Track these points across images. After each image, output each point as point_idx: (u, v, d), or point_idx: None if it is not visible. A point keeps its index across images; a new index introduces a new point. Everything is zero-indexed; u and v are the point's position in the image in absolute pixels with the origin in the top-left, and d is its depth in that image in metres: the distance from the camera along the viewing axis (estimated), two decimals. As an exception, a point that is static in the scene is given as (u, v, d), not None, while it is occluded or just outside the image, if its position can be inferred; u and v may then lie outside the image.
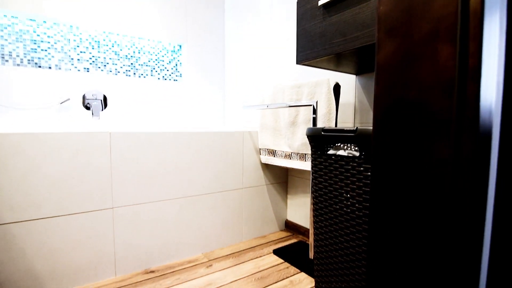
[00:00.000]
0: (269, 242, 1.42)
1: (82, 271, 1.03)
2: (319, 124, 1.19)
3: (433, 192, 0.38)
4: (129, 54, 1.86)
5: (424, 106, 0.39)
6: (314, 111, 1.13)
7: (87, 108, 1.64)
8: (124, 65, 1.84)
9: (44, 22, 1.59)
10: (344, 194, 0.78)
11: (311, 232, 1.17)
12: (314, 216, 0.88)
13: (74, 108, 1.61)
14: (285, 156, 1.37)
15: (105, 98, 1.71)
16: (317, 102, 1.13)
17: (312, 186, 0.89)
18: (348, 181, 0.77)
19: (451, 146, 0.35)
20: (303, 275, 1.11)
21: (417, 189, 0.40)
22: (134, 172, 1.11)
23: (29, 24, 1.56)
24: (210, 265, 1.18)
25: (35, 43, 1.58)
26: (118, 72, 1.82)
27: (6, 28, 1.51)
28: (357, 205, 0.74)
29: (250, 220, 1.45)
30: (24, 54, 1.55)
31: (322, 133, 0.82)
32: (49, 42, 1.61)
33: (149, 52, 1.94)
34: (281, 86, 1.35)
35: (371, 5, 0.75)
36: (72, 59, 1.68)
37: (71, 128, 1.11)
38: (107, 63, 1.79)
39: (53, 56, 1.62)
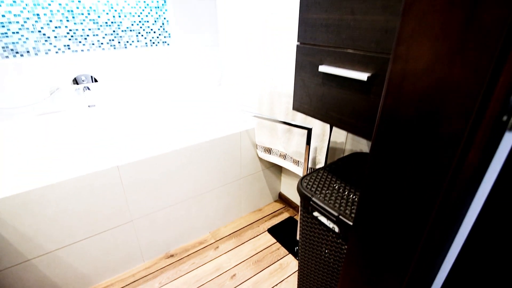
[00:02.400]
0: (265, 216, 1.70)
1: (119, 264, 1.32)
2: (313, 143, 1.25)
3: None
4: (109, 20, 1.65)
5: None
6: (309, 138, 1.17)
7: (88, 89, 1.60)
8: (106, 34, 1.67)
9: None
10: (325, 250, 0.96)
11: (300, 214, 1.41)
12: (299, 260, 1.09)
13: (66, 96, 1.58)
14: (280, 155, 1.47)
15: (94, 79, 1.64)
16: (311, 129, 1.16)
17: (299, 231, 1.06)
18: (328, 244, 0.93)
19: None
20: (290, 257, 1.42)
21: None
22: (145, 189, 1.25)
23: (-14, 3, 1.35)
24: (217, 247, 1.48)
25: (3, 26, 1.40)
26: (101, 44, 1.67)
27: (-37, 12, 1.32)
28: (333, 263, 0.94)
29: (248, 199, 1.69)
30: (-4, 40, 1.40)
31: (311, 202, 0.92)
32: (17, 22, 1.43)
33: (130, 13, 1.71)
34: (278, 93, 1.31)
35: (370, 98, 0.72)
36: (48, 37, 1.52)
37: (82, 166, 1.18)
38: (87, 36, 1.62)
39: (27, 38, 1.47)
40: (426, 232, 0.40)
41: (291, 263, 1.39)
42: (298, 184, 0.99)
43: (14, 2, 1.39)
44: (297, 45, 0.88)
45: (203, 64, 1.98)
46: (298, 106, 0.96)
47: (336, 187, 0.97)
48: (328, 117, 0.86)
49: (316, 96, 0.88)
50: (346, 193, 0.94)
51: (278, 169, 1.74)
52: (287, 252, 1.45)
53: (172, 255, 1.44)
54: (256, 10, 1.52)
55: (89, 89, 1.62)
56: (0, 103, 1.43)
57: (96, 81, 1.64)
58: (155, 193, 1.29)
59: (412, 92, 0.35)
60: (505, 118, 0.27)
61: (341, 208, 0.87)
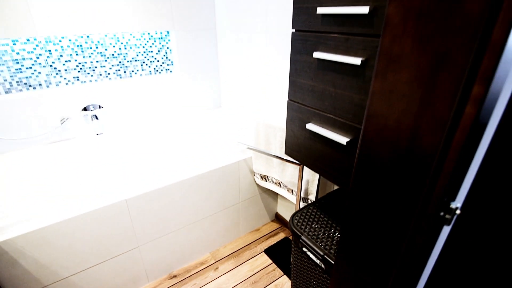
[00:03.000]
0: (262, 237, 1.80)
1: (126, 285, 1.43)
2: (305, 176, 1.35)
3: None
4: (115, 52, 1.76)
5: None
6: (301, 172, 1.28)
7: (96, 118, 1.70)
8: (113, 65, 1.78)
9: (19, 39, 1.48)
10: (313, 281, 1.06)
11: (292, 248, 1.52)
12: (292, 286, 1.19)
13: (75, 125, 1.69)
14: (276, 182, 1.57)
15: (100, 110, 1.75)
16: (303, 166, 1.26)
17: (291, 260, 1.17)
18: (315, 276, 1.04)
19: None
20: (285, 278, 1.53)
21: None
22: (150, 217, 1.35)
23: (4, 44, 1.45)
24: (217, 268, 1.59)
25: (17, 63, 1.51)
26: (108, 74, 1.78)
27: (-18, 53, 1.43)
28: None
29: (246, 220, 1.79)
30: (11, 76, 1.51)
31: (300, 240, 1.03)
32: (31, 59, 1.54)
33: (135, 45, 1.81)
34: (273, 128, 1.41)
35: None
36: (59, 71, 1.62)
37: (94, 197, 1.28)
38: (95, 67, 1.73)
39: (39, 73, 1.58)
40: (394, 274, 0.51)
41: (286, 284, 1.50)
42: (290, 220, 1.10)
43: (28, 40, 1.50)
44: (288, 101, 0.98)
45: (204, 89, 2.08)
46: (290, 152, 1.06)
47: (324, 224, 1.07)
48: (315, 166, 0.96)
49: (304, 147, 0.98)
50: (332, 231, 1.04)
51: (275, 192, 1.85)
52: (282, 273, 1.56)
53: (175, 276, 1.55)
54: (253, 52, 1.63)
55: (97, 117, 1.73)
56: (15, 134, 1.53)
57: (102, 108, 1.75)
58: (159, 221, 1.40)
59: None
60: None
61: (327, 246, 0.97)
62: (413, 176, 0.44)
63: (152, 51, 1.88)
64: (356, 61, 0.68)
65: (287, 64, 1.42)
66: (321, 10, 0.73)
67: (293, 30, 0.87)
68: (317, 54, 0.79)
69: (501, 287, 0.51)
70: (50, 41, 1.55)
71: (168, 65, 1.97)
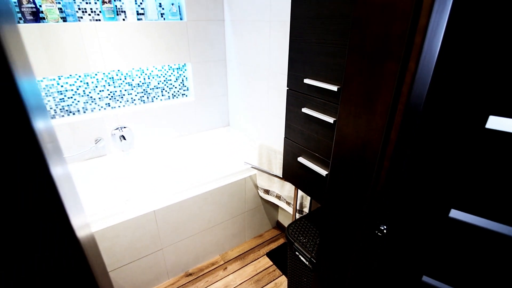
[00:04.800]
0: (265, 242, 2.08)
1: (151, 281, 1.72)
2: (300, 191, 1.62)
3: None
4: (140, 82, 2.06)
5: None
6: (296, 189, 1.55)
7: (124, 138, 2.00)
8: (138, 92, 2.08)
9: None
10: (303, 278, 1.33)
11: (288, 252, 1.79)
12: (288, 283, 1.46)
13: (107, 144, 1.99)
14: (276, 196, 1.85)
15: (127, 129, 2.04)
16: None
17: (288, 262, 1.44)
18: (305, 275, 1.31)
19: None
20: (283, 278, 1.80)
21: None
22: (173, 225, 1.64)
23: (52, 79, 1.76)
24: (225, 268, 1.87)
25: (61, 94, 1.82)
26: (134, 100, 2.08)
27: (35, 87, 1.73)
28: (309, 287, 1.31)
29: (251, 227, 2.07)
30: (56, 105, 1.82)
31: (293, 246, 1.30)
32: (72, 90, 1.84)
33: (157, 75, 2.11)
34: (274, 151, 1.69)
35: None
36: (94, 99, 1.93)
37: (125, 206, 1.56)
38: (123, 95, 2.03)
39: (78, 101, 1.88)
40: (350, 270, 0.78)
41: (284, 283, 1.77)
42: (286, 230, 1.37)
43: (70, 75, 1.81)
44: (284, 138, 1.26)
45: (215, 111, 2.37)
46: (286, 176, 1.34)
47: (313, 233, 1.34)
48: (304, 188, 1.24)
49: (297, 174, 1.26)
50: (319, 239, 1.31)
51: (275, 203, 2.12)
52: (281, 273, 1.83)
53: (190, 274, 1.83)
54: (257, 83, 1.91)
55: (124, 138, 2.03)
56: (59, 153, 1.84)
57: (128, 129, 2.05)
58: (179, 227, 1.68)
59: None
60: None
61: (313, 251, 1.25)
62: (361, 183, 0.72)
63: (171, 80, 2.18)
64: (331, 120, 0.96)
65: (284, 99, 1.70)
66: (306, 80, 1.01)
67: (287, 88, 1.15)
68: (304, 110, 1.06)
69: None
70: (88, 75, 1.86)
71: (184, 90, 2.27)
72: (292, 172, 1.29)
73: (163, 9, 1.96)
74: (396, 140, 0.59)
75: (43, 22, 1.59)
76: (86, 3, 1.72)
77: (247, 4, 1.81)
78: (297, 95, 1.11)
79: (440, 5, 0.47)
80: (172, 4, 1.93)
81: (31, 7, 1.52)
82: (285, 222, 2.14)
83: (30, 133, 0.30)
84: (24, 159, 0.31)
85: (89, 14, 1.75)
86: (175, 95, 2.24)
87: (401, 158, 0.60)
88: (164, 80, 2.16)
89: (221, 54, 2.22)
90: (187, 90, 2.28)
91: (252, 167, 1.73)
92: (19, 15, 1.52)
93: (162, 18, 1.97)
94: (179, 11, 1.98)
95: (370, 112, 0.61)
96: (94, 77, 1.88)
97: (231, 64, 2.20)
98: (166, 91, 2.19)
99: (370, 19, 0.57)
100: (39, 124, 0.33)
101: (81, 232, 0.47)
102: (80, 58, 1.71)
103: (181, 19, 2.01)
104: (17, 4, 1.50)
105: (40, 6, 1.57)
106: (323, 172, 1.07)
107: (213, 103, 2.34)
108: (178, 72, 2.19)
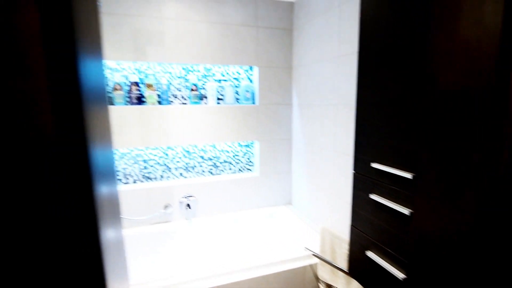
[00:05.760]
0: None
1: None
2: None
3: None
4: (212, 156, 2.23)
5: None
6: (364, 291, 1.29)
7: (189, 206, 2.09)
8: (208, 165, 2.23)
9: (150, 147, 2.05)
10: None
11: None
12: None
13: (173, 211, 2.09)
14: (340, 294, 1.57)
15: (193, 198, 2.14)
16: (367, 284, 1.29)
17: None
18: None
19: None
20: None
21: None
22: None
23: (141, 149, 2.04)
24: None
25: (145, 162, 2.07)
26: (203, 171, 2.22)
27: (126, 155, 2.02)
28: None
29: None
30: (140, 171, 2.06)
31: None
32: (154, 159, 2.08)
33: (227, 151, 2.27)
34: (339, 239, 1.52)
35: None
36: (170, 168, 2.13)
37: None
38: (195, 166, 2.20)
39: (157, 169, 2.10)
40: None
41: None
42: None
43: (154, 148, 2.08)
44: (350, 226, 1.12)
45: (278, 187, 2.35)
46: (353, 273, 1.15)
47: None
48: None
49: (365, 272, 1.06)
50: None
51: (340, 301, 1.80)
52: None
53: None
54: (323, 166, 1.87)
55: (189, 206, 2.12)
56: (131, 214, 1.99)
57: (194, 198, 2.15)
58: None
59: None
60: None
61: None
62: None
63: (238, 155, 2.31)
64: (405, 211, 0.83)
65: (350, 182, 1.58)
66: (374, 165, 0.94)
67: (354, 172, 1.07)
68: (373, 196, 0.96)
69: None
70: (169, 147, 2.11)
71: (250, 165, 2.35)
72: (360, 268, 1.09)
73: (239, 95, 2.22)
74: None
75: (144, 104, 1.96)
76: (178, 90, 2.07)
77: (314, 90, 1.93)
78: (364, 179, 1.02)
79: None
80: (247, 91, 2.18)
81: (138, 94, 1.91)
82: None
83: (89, 199, 0.32)
84: (77, 223, 0.32)
85: (179, 99, 2.08)
86: (241, 170, 2.33)
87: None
88: (233, 156, 2.30)
89: (287, 134, 2.31)
90: (252, 165, 2.36)
91: (313, 254, 1.56)
92: (128, 98, 1.91)
93: (237, 103, 2.22)
94: (252, 96, 2.22)
95: (454, 208, 0.50)
96: (174, 149, 2.13)
97: (297, 144, 2.25)
98: (233, 165, 2.31)
99: (445, 106, 0.51)
100: (102, 190, 0.36)
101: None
102: (165, 133, 1.98)
103: (253, 103, 2.22)
104: (128, 90, 1.90)
105: (144, 92, 1.96)
106: (399, 275, 0.88)
107: (276, 180, 2.34)
108: (246, 149, 2.33)
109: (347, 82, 1.58)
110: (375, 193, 0.97)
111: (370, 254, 1.01)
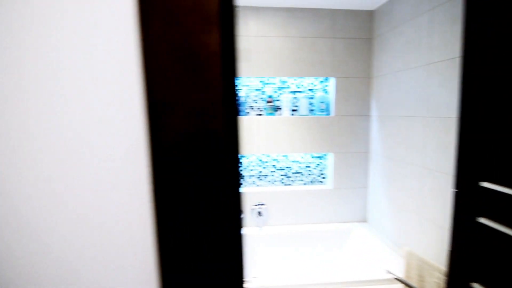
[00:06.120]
0: None
1: None
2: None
3: None
4: (284, 166, 2.26)
5: None
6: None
7: (260, 214, 2.15)
8: (280, 175, 2.26)
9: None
10: None
11: None
12: None
13: (247, 217, 2.16)
14: (428, 329, 1.39)
15: (265, 206, 2.18)
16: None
17: None
18: None
19: None
20: None
21: None
22: None
23: (219, 158, 2.18)
24: None
25: (223, 170, 2.20)
26: (275, 181, 2.26)
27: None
28: None
29: None
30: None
31: None
32: (231, 167, 2.20)
33: (298, 161, 2.27)
34: (428, 265, 1.36)
35: None
36: (244, 176, 2.22)
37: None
38: (267, 175, 2.25)
39: (233, 177, 2.21)
40: None
41: None
42: None
43: (246, 157, 2.20)
44: (449, 251, 1.00)
45: (352, 203, 2.24)
46: None
47: None
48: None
49: (469, 306, 0.92)
50: None
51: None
52: None
53: None
54: (405, 183, 1.71)
55: (260, 214, 2.17)
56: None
57: (265, 207, 2.19)
58: None
59: None
60: None
61: None
62: None
63: (310, 166, 2.29)
64: (532, 241, 0.70)
65: (442, 202, 1.41)
66: (484, 184, 0.82)
67: (455, 190, 0.96)
68: (483, 220, 0.83)
69: None
70: (244, 156, 2.21)
71: (322, 177, 2.30)
72: (460, 302, 0.96)
73: (313, 106, 2.21)
74: None
75: (224, 116, 2.10)
76: (255, 102, 2.17)
77: (397, 101, 1.80)
78: (469, 200, 0.90)
79: None
80: (322, 102, 2.16)
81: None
82: None
83: (238, 196, 0.37)
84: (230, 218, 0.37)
85: (255, 110, 2.18)
86: (312, 181, 2.30)
87: None
88: (305, 167, 2.29)
89: (364, 146, 2.20)
90: (325, 177, 2.30)
91: (396, 278, 1.42)
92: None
93: (312, 114, 2.21)
94: (327, 108, 2.18)
95: None
96: (248, 158, 2.22)
97: (375, 157, 2.12)
98: (305, 176, 2.29)
99: None
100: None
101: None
102: (241, 142, 2.09)
103: (328, 114, 2.19)
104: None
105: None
106: (520, 317, 0.74)
107: (350, 194, 2.23)
108: (318, 161, 2.29)
109: (440, 91, 1.44)
110: (487, 217, 0.84)
111: (477, 286, 0.88)
